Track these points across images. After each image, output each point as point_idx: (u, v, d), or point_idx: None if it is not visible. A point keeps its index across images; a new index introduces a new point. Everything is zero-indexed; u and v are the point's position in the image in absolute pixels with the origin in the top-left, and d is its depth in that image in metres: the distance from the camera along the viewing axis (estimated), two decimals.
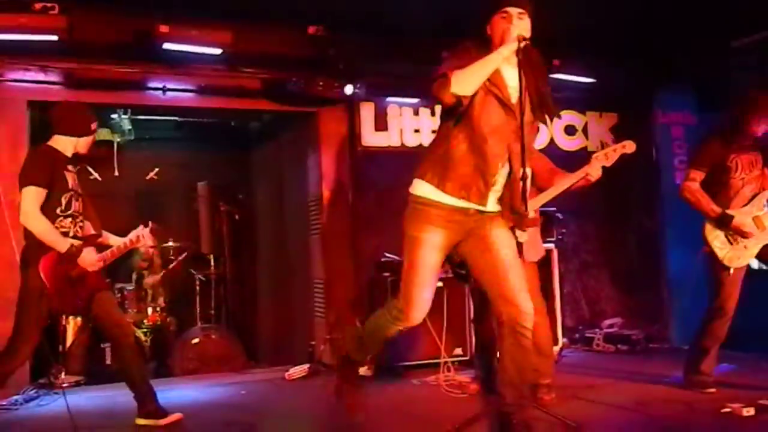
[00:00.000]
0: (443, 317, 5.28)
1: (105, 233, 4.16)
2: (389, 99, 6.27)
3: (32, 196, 3.71)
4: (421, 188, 3.17)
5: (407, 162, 6.22)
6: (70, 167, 3.94)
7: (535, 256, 4.25)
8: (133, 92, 5.61)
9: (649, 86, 6.83)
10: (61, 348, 5.64)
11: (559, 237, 6.14)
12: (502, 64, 3.04)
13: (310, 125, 6.23)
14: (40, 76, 5.27)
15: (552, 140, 6.82)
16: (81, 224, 3.97)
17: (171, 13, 5.03)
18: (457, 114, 3.10)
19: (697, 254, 4.36)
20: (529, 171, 3.12)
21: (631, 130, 7.03)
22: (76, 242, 3.85)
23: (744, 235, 4.25)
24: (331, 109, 6.08)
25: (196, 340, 5.96)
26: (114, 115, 6.40)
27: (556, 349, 5.63)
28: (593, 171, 3.78)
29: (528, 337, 3.12)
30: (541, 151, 6.38)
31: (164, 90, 5.65)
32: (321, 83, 5.64)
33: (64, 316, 5.29)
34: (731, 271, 4.25)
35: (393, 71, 6.02)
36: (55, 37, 4.81)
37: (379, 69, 5.86)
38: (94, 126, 4.03)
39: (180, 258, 6.56)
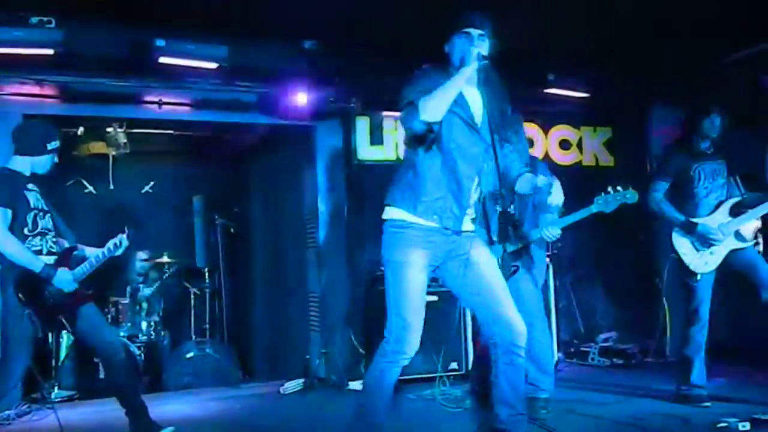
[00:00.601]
0: (439, 331, 5.27)
1: (81, 246, 4.13)
2: (384, 113, 6.29)
3: None
4: (395, 212, 3.15)
5: None
6: (30, 186, 3.89)
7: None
8: (128, 106, 5.62)
9: (643, 101, 6.87)
10: (53, 362, 5.62)
11: (554, 251, 6.15)
12: (464, 86, 3.07)
13: (306, 139, 6.24)
14: (36, 90, 5.27)
15: (547, 154, 6.84)
16: (54, 240, 3.94)
17: (167, 28, 5.04)
18: (424, 138, 3.09)
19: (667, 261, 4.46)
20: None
21: (625, 144, 7.08)
22: (48, 260, 3.82)
23: (709, 241, 4.31)
24: (326, 123, 6.10)
25: (190, 354, 5.93)
26: (109, 129, 6.39)
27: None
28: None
29: (521, 356, 3.11)
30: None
31: (160, 104, 5.66)
32: (316, 97, 5.66)
33: (55, 333, 5.26)
34: (698, 277, 4.32)
35: (388, 85, 6.03)
36: (51, 51, 4.82)
37: (374, 83, 5.87)
38: (52, 145, 3.93)
39: (171, 270, 6.54)
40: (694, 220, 4.37)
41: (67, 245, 4.05)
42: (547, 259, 5.96)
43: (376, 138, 6.25)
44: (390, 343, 3.13)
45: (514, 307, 3.13)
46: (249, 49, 5.42)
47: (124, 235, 4.06)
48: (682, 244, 4.40)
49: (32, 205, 3.84)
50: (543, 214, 4.27)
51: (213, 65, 5.31)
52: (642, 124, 6.94)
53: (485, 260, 3.16)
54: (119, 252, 4.07)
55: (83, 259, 4.04)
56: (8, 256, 3.70)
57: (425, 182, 3.10)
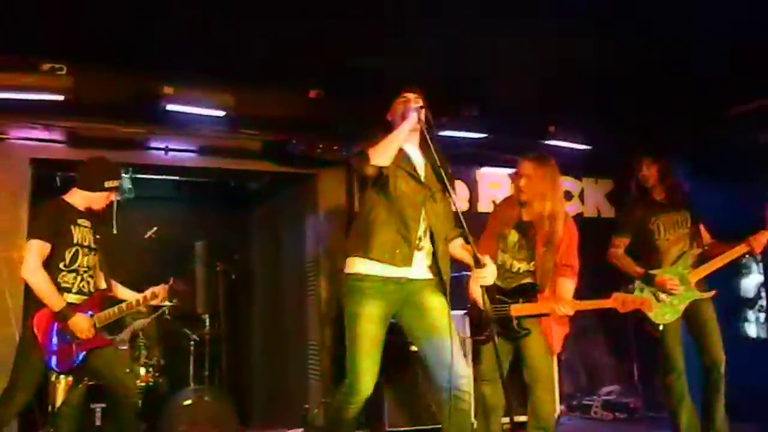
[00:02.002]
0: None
1: (118, 287, 4.17)
2: None
3: (34, 250, 3.74)
4: (352, 265, 3.43)
5: None
6: (81, 221, 3.94)
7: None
8: (135, 151, 5.69)
9: (645, 153, 6.92)
10: (50, 408, 5.55)
11: None
12: (407, 145, 3.50)
13: (309, 187, 6.29)
14: (44, 135, 5.35)
15: None
16: (89, 279, 3.95)
17: (175, 75, 5.14)
18: (374, 189, 3.44)
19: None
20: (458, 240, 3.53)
21: (627, 196, 7.11)
22: (78, 299, 3.83)
23: (668, 291, 4.34)
24: (330, 171, 6.16)
25: (188, 402, 5.84)
26: None
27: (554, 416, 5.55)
28: None
29: (466, 401, 3.30)
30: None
31: (166, 150, 5.73)
32: (320, 146, 5.73)
33: (54, 375, 5.21)
34: (660, 327, 4.34)
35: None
36: (61, 97, 4.90)
37: (378, 132, 5.93)
38: (109, 184, 4.02)
39: (158, 312, 6.48)
40: (653, 272, 4.40)
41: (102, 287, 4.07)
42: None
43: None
44: (345, 386, 3.39)
45: (460, 353, 3.34)
46: (255, 98, 5.52)
47: (166, 287, 4.11)
48: (643, 297, 4.40)
49: (75, 241, 3.87)
50: None
51: (220, 113, 5.39)
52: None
53: (436, 306, 3.40)
54: (156, 303, 4.17)
55: (119, 301, 4.05)
56: (32, 287, 3.74)
57: (375, 226, 3.40)
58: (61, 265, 3.81)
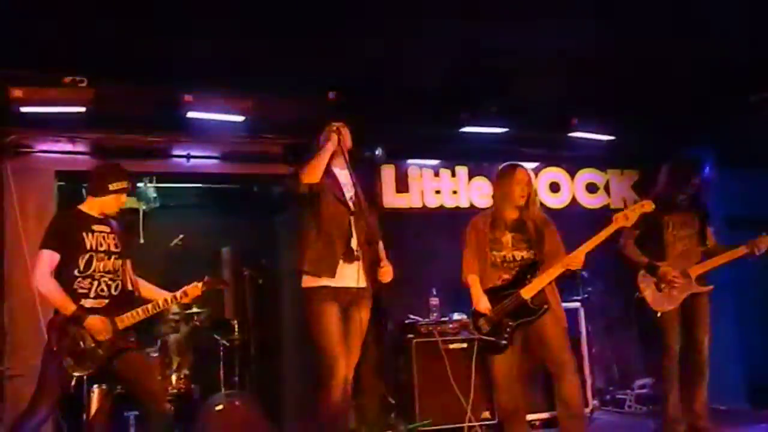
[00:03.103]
0: (471, 378, 5.17)
1: (148, 288, 4.21)
2: (410, 161, 6.33)
3: (42, 259, 3.82)
4: (305, 281, 4.07)
5: (429, 223, 6.31)
6: (96, 227, 3.98)
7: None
8: (158, 160, 5.73)
9: (669, 143, 6.81)
10: (84, 417, 5.60)
11: (585, 296, 6.06)
12: (336, 168, 4.14)
13: None
14: (69, 147, 5.42)
15: (574, 198, 6.81)
16: (109, 283, 3.97)
17: (193, 83, 5.16)
18: (307, 208, 4.05)
19: (634, 298, 4.73)
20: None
21: (652, 187, 7.01)
22: (98, 303, 3.87)
23: (669, 283, 4.56)
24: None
25: (219, 407, 5.88)
26: (140, 184, 6.51)
27: (587, 411, 5.49)
28: None
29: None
30: (563, 209, 6.46)
31: (188, 157, 5.76)
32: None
33: (86, 384, 5.25)
34: (658, 314, 4.59)
35: (413, 133, 6.10)
36: (83, 109, 4.96)
37: (399, 131, 5.93)
38: (114, 186, 4.03)
39: (200, 322, 6.53)
40: (658, 263, 4.61)
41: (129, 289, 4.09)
42: (578, 304, 5.91)
43: (402, 186, 6.27)
44: (324, 373, 4.05)
45: (354, 360, 4.12)
46: (274, 102, 5.53)
47: (198, 284, 4.14)
48: (646, 285, 4.65)
49: (89, 247, 3.91)
50: None
51: (240, 118, 5.41)
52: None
53: (361, 317, 4.11)
54: (187, 300, 4.23)
55: (147, 301, 4.07)
56: (44, 295, 3.83)
57: (309, 241, 4.04)
58: (75, 272, 3.85)
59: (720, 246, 4.75)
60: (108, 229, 4.05)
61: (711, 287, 4.66)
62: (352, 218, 4.09)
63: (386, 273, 4.15)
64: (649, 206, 4.21)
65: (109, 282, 3.98)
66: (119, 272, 4.04)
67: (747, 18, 4.62)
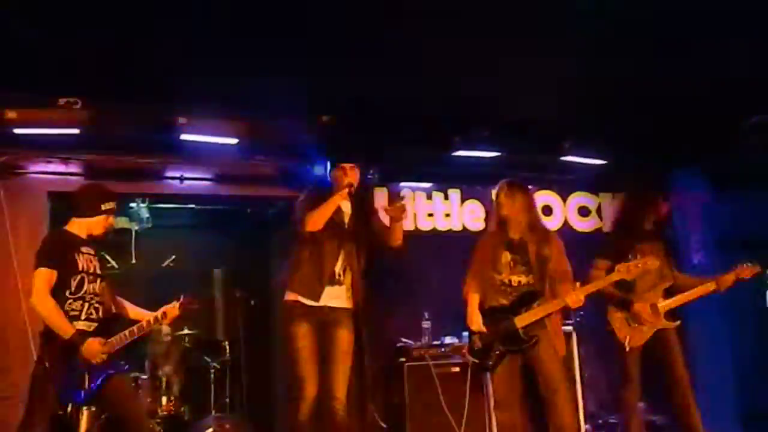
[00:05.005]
0: (463, 404, 5.16)
1: (130, 308, 4.19)
2: (402, 184, 6.34)
3: (41, 278, 3.77)
4: (287, 294, 4.31)
5: (421, 246, 6.30)
6: (84, 249, 3.97)
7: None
8: (151, 182, 5.74)
9: (661, 166, 6.87)
10: None
11: (578, 319, 6.06)
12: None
13: None
14: (61, 168, 5.42)
15: (566, 221, 6.83)
16: (97, 306, 3.96)
17: (187, 105, 5.18)
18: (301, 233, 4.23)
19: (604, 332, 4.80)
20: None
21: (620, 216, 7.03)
22: (87, 326, 3.84)
23: (641, 321, 4.60)
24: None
25: (209, 430, 5.84)
26: (132, 204, 6.50)
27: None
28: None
29: (341, 412, 4.14)
30: (556, 232, 6.44)
31: (182, 179, 5.77)
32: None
33: (73, 406, 5.21)
34: (627, 349, 4.63)
35: (405, 156, 6.12)
36: (77, 131, 4.97)
37: (392, 154, 5.95)
38: (105, 206, 4.05)
39: (191, 344, 6.49)
40: (631, 298, 4.63)
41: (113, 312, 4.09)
42: (571, 328, 5.90)
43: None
44: (294, 390, 4.19)
45: (343, 379, 4.20)
46: (268, 124, 5.55)
47: (177, 303, 4.12)
48: (616, 319, 4.68)
49: (81, 268, 3.89)
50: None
51: (233, 140, 5.42)
52: (660, 190, 6.91)
53: (344, 337, 4.23)
54: (167, 321, 4.18)
55: (133, 322, 4.05)
56: (42, 315, 3.77)
57: (300, 263, 4.26)
58: (67, 293, 3.83)
59: (688, 278, 4.83)
60: (93, 252, 4.05)
61: (678, 322, 4.68)
62: (344, 243, 4.26)
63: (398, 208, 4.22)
64: (653, 264, 4.26)
65: (97, 305, 3.97)
66: (103, 295, 4.03)
67: (739, 41, 4.65)
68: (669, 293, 4.74)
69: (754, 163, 6.31)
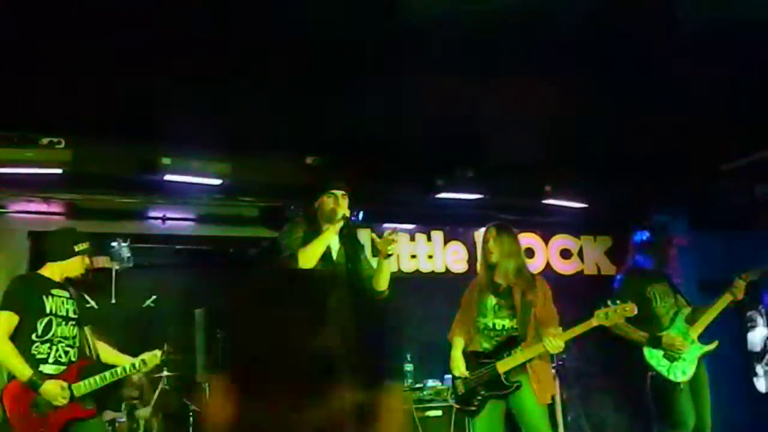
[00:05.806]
0: None
1: (110, 353, 4.12)
2: (385, 225, 6.34)
3: (1, 321, 3.71)
4: None
5: (404, 287, 6.29)
6: (56, 292, 3.92)
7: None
8: (133, 222, 5.72)
9: (641, 210, 6.94)
10: None
11: (560, 362, 6.04)
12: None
13: None
14: (43, 207, 5.38)
15: (548, 264, 6.85)
16: (67, 349, 3.89)
17: (171, 146, 5.19)
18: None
19: (645, 379, 4.57)
20: None
21: (625, 253, 7.09)
22: (56, 369, 3.77)
23: (677, 349, 4.46)
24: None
25: None
26: (114, 244, 6.45)
27: None
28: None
29: None
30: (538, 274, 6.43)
31: (164, 219, 5.75)
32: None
33: None
34: (681, 386, 4.43)
35: (389, 198, 6.15)
36: (59, 170, 4.94)
37: (375, 196, 5.97)
38: (78, 248, 4.01)
39: (170, 386, 6.39)
40: (659, 334, 4.51)
41: (93, 355, 4.01)
42: (553, 371, 5.88)
43: (377, 250, 6.27)
44: None
45: None
46: (251, 165, 5.56)
47: (159, 353, 4.06)
48: (655, 359, 4.51)
49: (48, 311, 3.83)
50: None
51: (217, 181, 5.42)
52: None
53: None
54: (145, 369, 4.10)
55: (109, 366, 3.98)
56: (2, 360, 3.72)
57: None
58: (33, 336, 3.76)
59: (698, 306, 4.71)
60: (67, 295, 3.99)
61: (716, 343, 4.53)
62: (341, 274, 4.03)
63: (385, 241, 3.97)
64: (631, 310, 4.15)
65: (67, 348, 3.90)
66: (77, 338, 3.96)
67: (720, 86, 4.73)
68: (692, 321, 4.60)
69: (733, 205, 6.39)
